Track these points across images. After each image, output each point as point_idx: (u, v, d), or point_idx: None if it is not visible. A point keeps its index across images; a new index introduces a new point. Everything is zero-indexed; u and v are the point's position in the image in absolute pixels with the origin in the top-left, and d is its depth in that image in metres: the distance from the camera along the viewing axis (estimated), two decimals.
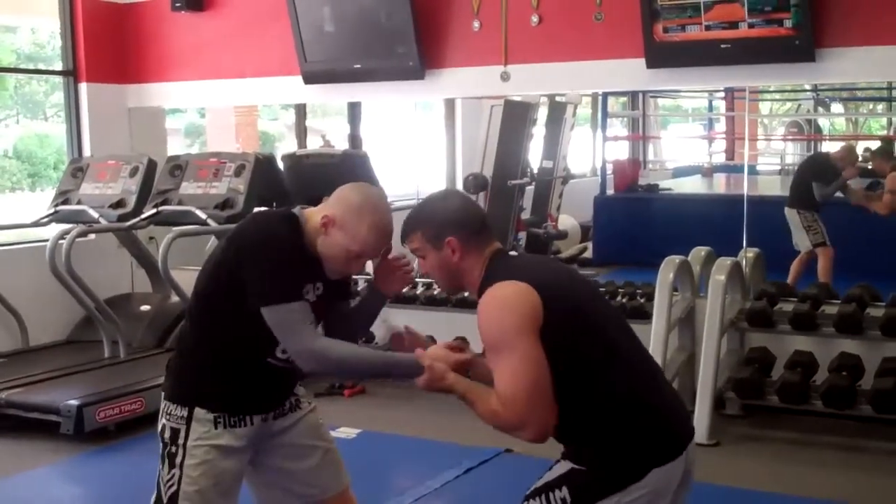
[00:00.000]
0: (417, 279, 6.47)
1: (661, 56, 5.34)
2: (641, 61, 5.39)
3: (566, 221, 9.96)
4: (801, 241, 7.62)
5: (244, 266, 2.42)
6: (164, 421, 2.58)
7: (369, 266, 3.27)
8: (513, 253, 2.51)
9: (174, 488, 2.52)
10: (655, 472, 2.18)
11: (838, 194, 7.82)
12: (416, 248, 2.39)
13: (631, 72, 5.52)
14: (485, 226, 2.41)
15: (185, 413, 2.53)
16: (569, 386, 2.16)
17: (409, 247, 2.41)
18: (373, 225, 2.48)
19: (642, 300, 5.68)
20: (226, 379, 2.54)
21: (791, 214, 7.67)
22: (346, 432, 5.05)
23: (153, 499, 2.59)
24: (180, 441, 2.52)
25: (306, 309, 2.43)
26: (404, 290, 6.15)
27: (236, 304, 2.44)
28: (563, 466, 2.24)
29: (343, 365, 2.50)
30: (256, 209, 6.08)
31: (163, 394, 2.62)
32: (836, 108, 16.40)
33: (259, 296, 2.40)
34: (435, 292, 6.26)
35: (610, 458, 2.19)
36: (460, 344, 2.39)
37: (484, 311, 2.21)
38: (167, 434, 2.56)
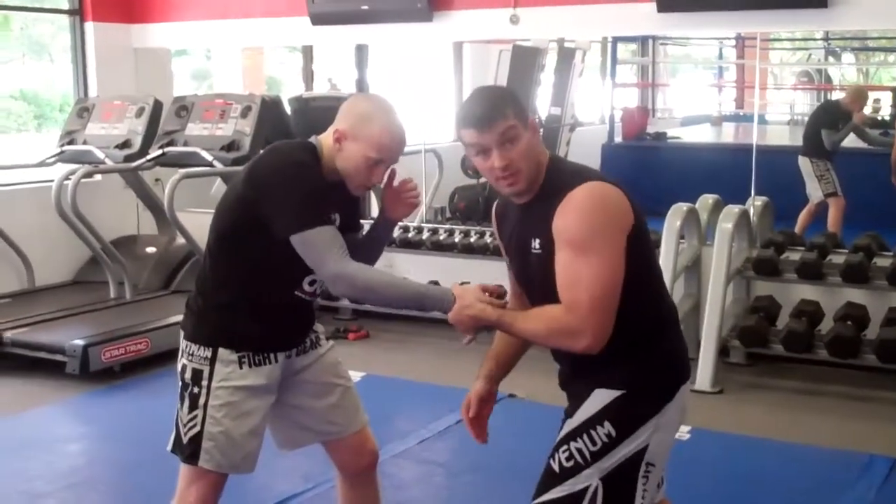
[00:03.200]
0: (423, 224, 6.45)
1: (672, 0, 5.26)
2: (652, 5, 5.31)
3: None
4: (814, 190, 7.54)
5: (270, 195, 2.37)
6: (184, 361, 2.53)
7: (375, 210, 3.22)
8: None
9: (197, 429, 2.48)
10: (682, 388, 2.22)
11: (857, 142, 7.73)
12: (511, 126, 2.10)
13: (642, 16, 5.45)
14: None
15: (208, 354, 2.48)
16: (631, 298, 2.09)
17: (503, 126, 2.10)
18: (385, 127, 2.44)
19: None
20: (252, 317, 2.49)
21: (804, 163, 7.58)
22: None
23: (172, 438, 2.55)
24: (203, 382, 2.48)
25: (336, 232, 2.37)
26: (408, 219, 6.11)
27: (263, 237, 2.39)
28: (599, 399, 2.14)
29: (374, 290, 2.38)
30: None
31: (182, 333, 2.57)
32: (847, 58, 16.20)
33: (288, 222, 2.34)
34: (441, 237, 6.24)
35: (648, 375, 2.17)
36: (498, 289, 2.26)
37: (578, 206, 2.07)
38: (188, 374, 2.51)
